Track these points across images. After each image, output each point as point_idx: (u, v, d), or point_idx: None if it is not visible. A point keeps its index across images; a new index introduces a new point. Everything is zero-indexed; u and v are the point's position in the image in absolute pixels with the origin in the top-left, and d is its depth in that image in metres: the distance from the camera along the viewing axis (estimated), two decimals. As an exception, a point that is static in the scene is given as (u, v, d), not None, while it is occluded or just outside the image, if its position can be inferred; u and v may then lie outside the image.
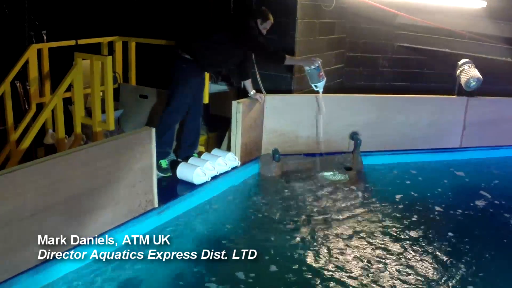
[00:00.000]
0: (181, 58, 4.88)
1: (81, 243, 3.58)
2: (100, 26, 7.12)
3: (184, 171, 4.82)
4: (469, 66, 6.12)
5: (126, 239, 3.87)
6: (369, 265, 3.78)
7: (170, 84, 4.99)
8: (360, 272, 3.68)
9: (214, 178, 4.92)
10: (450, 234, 4.34)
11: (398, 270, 3.72)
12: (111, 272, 3.53)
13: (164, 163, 4.97)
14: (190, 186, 4.73)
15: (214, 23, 5.48)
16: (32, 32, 7.27)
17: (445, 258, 3.91)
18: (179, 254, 3.80)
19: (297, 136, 5.78)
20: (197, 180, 4.74)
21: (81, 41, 6.04)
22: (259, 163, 5.53)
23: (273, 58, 5.12)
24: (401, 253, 3.96)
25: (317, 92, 5.43)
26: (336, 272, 3.66)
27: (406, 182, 5.49)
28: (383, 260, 3.85)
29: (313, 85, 5.37)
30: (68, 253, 3.48)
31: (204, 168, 4.84)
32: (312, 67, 5.18)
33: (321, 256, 3.89)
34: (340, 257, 3.88)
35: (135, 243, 3.88)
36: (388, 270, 3.72)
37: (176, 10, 7.34)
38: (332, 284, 3.53)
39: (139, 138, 3.97)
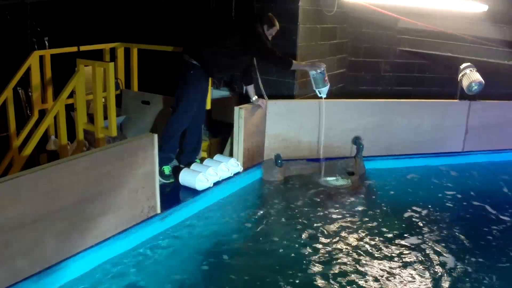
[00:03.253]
0: (188, 64, 4.88)
1: (84, 249, 3.58)
2: (102, 33, 7.13)
3: (186, 177, 4.82)
4: (471, 70, 6.11)
5: (129, 245, 3.89)
6: (371, 270, 3.77)
7: (177, 90, 4.99)
8: (362, 277, 3.67)
9: (216, 184, 4.92)
10: (453, 238, 4.33)
11: (400, 275, 3.70)
12: (113, 278, 3.52)
13: (167, 169, 4.97)
14: (193, 192, 4.73)
15: (220, 28, 5.47)
16: (34, 39, 7.29)
17: (450, 262, 3.90)
18: (182, 259, 3.82)
19: (299, 141, 5.78)
20: (199, 186, 4.74)
21: (83, 48, 6.06)
22: (261, 169, 5.53)
23: (281, 63, 5.13)
24: (404, 258, 3.95)
25: (320, 98, 5.43)
26: (337, 278, 3.65)
27: (408, 187, 5.48)
28: (385, 265, 3.84)
29: (316, 90, 5.37)
30: (71, 259, 3.48)
31: (207, 174, 4.84)
32: (318, 71, 5.19)
33: (322, 260, 3.87)
34: (342, 262, 3.87)
35: (137, 249, 3.91)
36: (390, 275, 3.71)
37: (177, 16, 7.36)
38: (335, 289, 3.54)
39: (142, 144, 3.98)
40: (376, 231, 4.42)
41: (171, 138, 4.95)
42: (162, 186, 4.49)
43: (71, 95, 5.43)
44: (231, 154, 5.46)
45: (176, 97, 4.99)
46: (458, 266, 3.85)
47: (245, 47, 4.93)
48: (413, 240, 4.26)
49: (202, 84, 5.02)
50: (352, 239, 4.25)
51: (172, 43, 6.19)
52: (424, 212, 4.85)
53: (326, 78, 5.31)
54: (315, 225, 4.49)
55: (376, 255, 3.99)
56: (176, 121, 4.97)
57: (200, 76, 4.93)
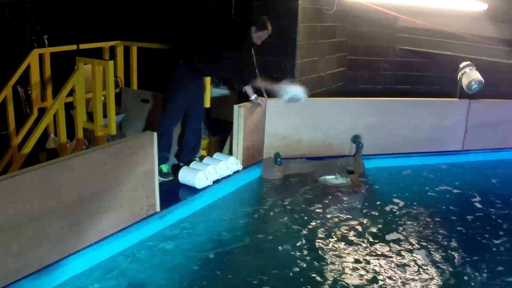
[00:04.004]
0: (174, 63, 4.91)
1: (83, 247, 3.58)
2: (101, 31, 7.13)
3: (186, 176, 4.82)
4: (470, 69, 6.11)
5: (128, 244, 3.89)
6: (370, 269, 3.77)
7: (166, 89, 5.02)
8: (360, 276, 3.68)
9: (216, 182, 4.92)
10: (452, 237, 4.33)
11: (397, 274, 3.71)
12: (114, 276, 3.52)
13: (165, 167, 4.97)
14: (192, 190, 4.73)
15: (211, 29, 5.46)
16: (33, 37, 7.29)
17: (447, 261, 3.90)
18: (181, 258, 3.82)
19: (299, 140, 5.78)
20: (199, 185, 4.74)
21: (82, 46, 6.04)
22: (261, 167, 5.53)
23: (240, 82, 5.22)
24: (403, 257, 3.95)
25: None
26: (336, 276, 3.66)
27: (408, 185, 5.48)
28: (383, 264, 3.84)
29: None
30: (71, 257, 3.48)
31: (206, 172, 4.84)
32: (286, 97, 5.22)
33: (321, 259, 3.88)
34: (341, 261, 3.87)
35: (137, 247, 3.91)
36: (387, 273, 3.71)
37: (177, 14, 7.35)
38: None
39: (141, 142, 3.98)
40: (375, 229, 4.42)
41: (163, 137, 4.93)
42: (161, 184, 4.49)
43: (71, 93, 5.42)
44: (230, 153, 5.46)
45: (165, 96, 5.02)
46: (458, 267, 3.86)
47: (228, 50, 4.95)
48: (413, 238, 4.27)
49: (189, 82, 5.00)
50: (351, 238, 4.25)
51: (171, 42, 6.18)
52: (424, 211, 4.85)
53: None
54: (314, 223, 4.49)
55: (374, 254, 3.99)
56: (165, 119, 4.99)
57: (186, 74, 4.92)
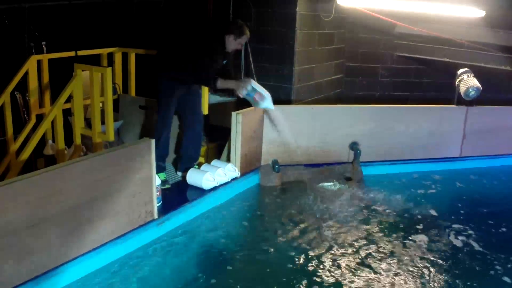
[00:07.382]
0: (155, 69, 4.96)
1: (81, 254, 3.57)
2: (99, 38, 7.13)
3: (193, 177, 4.92)
4: (468, 75, 6.13)
5: (126, 251, 3.88)
6: (367, 275, 3.77)
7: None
8: (357, 282, 3.67)
9: (214, 189, 4.92)
10: (450, 242, 4.33)
11: (395, 280, 3.71)
12: (110, 284, 3.51)
13: (162, 175, 4.96)
14: (190, 198, 4.73)
15: (191, 34, 5.39)
16: (32, 43, 7.28)
17: (443, 266, 3.90)
18: (178, 265, 3.82)
19: (297, 147, 5.78)
20: (206, 186, 4.83)
21: (80, 52, 6.04)
22: (259, 174, 5.52)
23: (203, 81, 5.09)
24: (399, 263, 3.95)
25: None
26: (334, 283, 3.65)
27: (406, 192, 5.47)
28: (380, 270, 3.84)
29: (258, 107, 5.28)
30: (67, 264, 3.47)
31: (215, 175, 4.95)
32: (244, 92, 4.94)
33: (318, 266, 3.87)
34: (338, 267, 3.87)
35: (135, 254, 3.90)
36: (385, 280, 3.71)
37: (176, 22, 7.36)
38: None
39: (139, 149, 3.98)
40: (372, 236, 4.42)
41: (157, 146, 4.86)
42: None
43: (69, 99, 5.42)
44: (228, 159, 5.46)
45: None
46: (456, 276, 3.86)
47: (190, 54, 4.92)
48: (410, 245, 4.27)
49: (170, 88, 4.97)
50: (348, 246, 4.24)
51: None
52: (421, 217, 4.85)
53: (257, 96, 5.07)
54: (311, 230, 4.48)
55: (370, 259, 3.99)
56: (157, 129, 4.98)
57: (167, 80, 4.92)
